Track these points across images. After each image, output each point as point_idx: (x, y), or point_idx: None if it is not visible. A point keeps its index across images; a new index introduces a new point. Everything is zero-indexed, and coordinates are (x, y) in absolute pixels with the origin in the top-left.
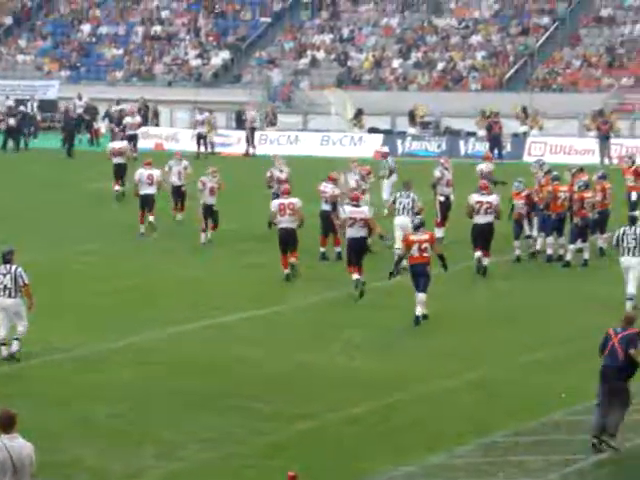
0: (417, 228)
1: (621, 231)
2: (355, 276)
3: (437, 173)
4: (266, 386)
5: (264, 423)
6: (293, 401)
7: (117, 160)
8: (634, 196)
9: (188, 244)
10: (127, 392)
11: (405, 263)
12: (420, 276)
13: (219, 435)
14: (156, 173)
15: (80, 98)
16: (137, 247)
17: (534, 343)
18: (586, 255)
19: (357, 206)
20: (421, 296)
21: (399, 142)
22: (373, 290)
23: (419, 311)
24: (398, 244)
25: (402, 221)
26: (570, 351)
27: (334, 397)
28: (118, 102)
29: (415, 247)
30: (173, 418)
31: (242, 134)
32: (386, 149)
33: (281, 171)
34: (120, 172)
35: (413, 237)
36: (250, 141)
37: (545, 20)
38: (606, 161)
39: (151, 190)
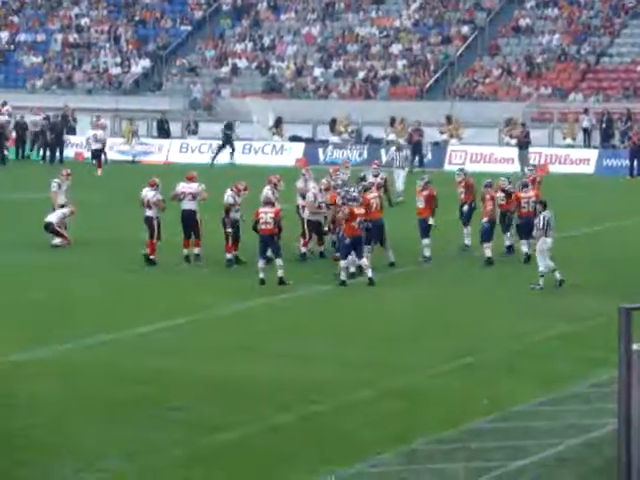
0: (354, 200)
1: (548, 215)
2: (185, 251)
3: (300, 184)
4: (186, 396)
5: (184, 433)
6: (213, 411)
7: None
8: None
9: (104, 256)
10: (46, 403)
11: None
12: (359, 244)
13: (139, 446)
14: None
15: (4, 104)
16: (51, 259)
17: (454, 350)
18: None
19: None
20: (364, 261)
21: (320, 150)
22: (294, 299)
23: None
24: None
25: None
26: (491, 358)
27: (254, 407)
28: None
29: (357, 220)
30: (93, 429)
31: (163, 142)
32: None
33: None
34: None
35: (357, 211)
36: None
37: (465, 29)
38: (526, 170)
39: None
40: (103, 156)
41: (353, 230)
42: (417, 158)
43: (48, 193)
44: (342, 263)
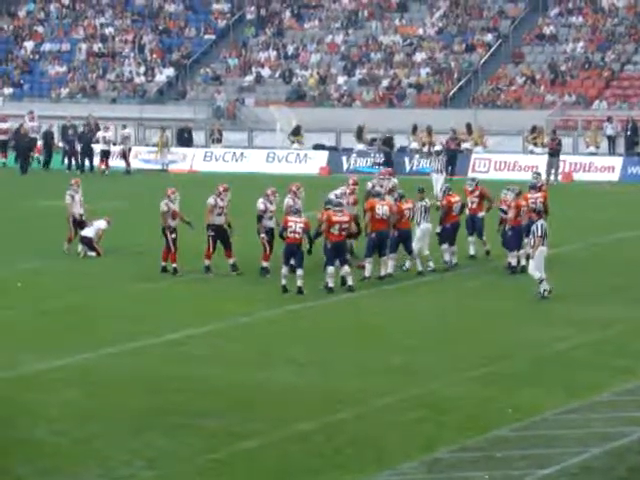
0: (337, 206)
1: (545, 224)
2: (207, 262)
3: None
4: (210, 403)
5: (208, 441)
6: (237, 418)
7: (1, 137)
8: None
9: (128, 263)
10: (70, 410)
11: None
12: (341, 252)
13: (163, 453)
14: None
15: (31, 113)
16: (75, 267)
17: (478, 358)
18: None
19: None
20: (345, 268)
21: (344, 159)
22: (315, 307)
23: (350, 281)
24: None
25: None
26: (515, 366)
27: (278, 414)
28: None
29: (336, 227)
30: (117, 436)
31: (187, 151)
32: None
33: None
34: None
35: (335, 218)
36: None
37: (489, 37)
38: (552, 178)
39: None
40: (123, 160)
41: (333, 236)
42: (450, 166)
43: (62, 203)
44: (328, 269)
